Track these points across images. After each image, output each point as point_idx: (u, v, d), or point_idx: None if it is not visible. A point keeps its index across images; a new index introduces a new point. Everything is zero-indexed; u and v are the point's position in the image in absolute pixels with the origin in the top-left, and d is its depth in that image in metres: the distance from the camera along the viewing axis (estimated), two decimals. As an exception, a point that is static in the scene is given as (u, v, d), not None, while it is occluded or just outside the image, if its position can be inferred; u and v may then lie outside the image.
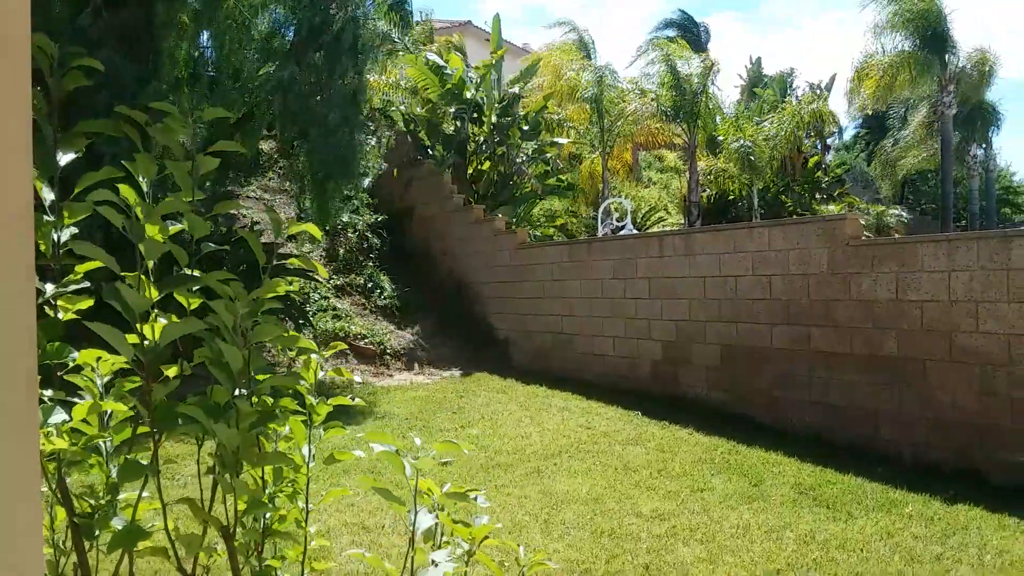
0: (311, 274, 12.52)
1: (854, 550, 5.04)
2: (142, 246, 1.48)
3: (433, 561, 1.49)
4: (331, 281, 13.85)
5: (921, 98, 26.06)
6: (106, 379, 1.69)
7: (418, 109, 16.74)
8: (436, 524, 1.79)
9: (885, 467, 6.90)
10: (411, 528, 1.59)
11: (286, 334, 1.65)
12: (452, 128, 16.66)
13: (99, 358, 1.65)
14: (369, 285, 14.38)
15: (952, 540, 5.19)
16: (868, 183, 33.71)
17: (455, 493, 1.64)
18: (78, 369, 1.66)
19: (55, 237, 1.58)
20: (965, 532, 5.33)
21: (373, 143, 11.40)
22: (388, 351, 12.59)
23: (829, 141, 34.97)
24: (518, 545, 1.99)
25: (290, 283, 1.90)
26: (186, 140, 1.61)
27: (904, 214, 26.12)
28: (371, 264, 15.02)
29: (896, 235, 20.87)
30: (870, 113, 29.23)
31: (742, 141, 19.74)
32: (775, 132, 20.06)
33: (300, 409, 1.76)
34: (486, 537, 1.66)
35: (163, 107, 1.58)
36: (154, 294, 1.53)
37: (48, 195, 1.57)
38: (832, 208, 23.15)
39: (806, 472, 6.80)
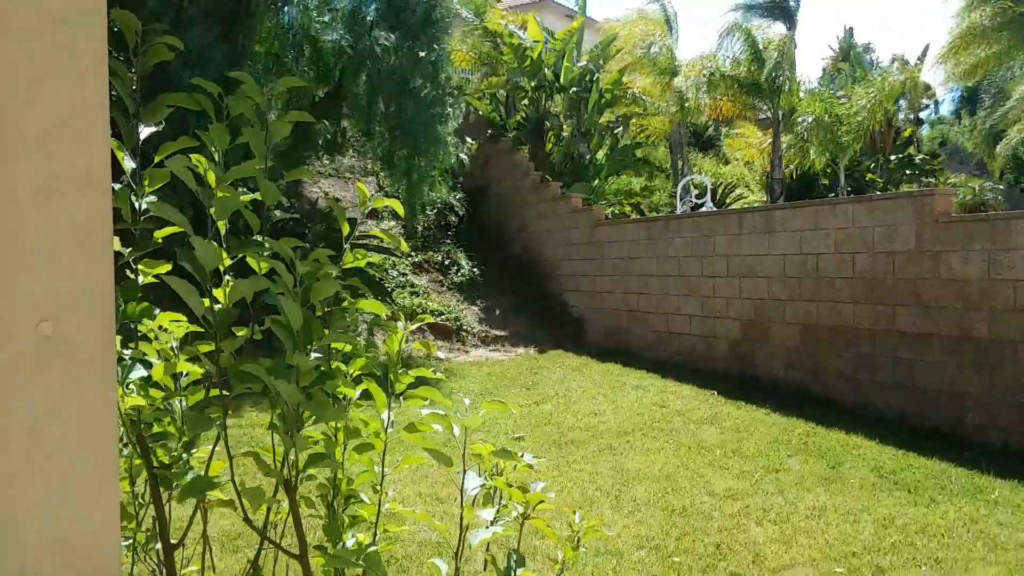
0: (392, 249, 12.74)
1: (935, 535, 4.89)
2: (212, 207, 1.54)
3: (484, 520, 1.53)
4: (409, 258, 14.05)
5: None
6: (177, 342, 1.77)
7: (495, 85, 16.74)
8: (495, 489, 1.83)
9: (971, 452, 6.66)
10: (460, 488, 1.63)
11: (350, 300, 1.70)
12: (530, 103, 16.61)
13: (173, 321, 1.74)
14: (446, 262, 14.53)
15: (1041, 528, 4.98)
16: (966, 158, 32.23)
17: (502, 451, 1.67)
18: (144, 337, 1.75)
19: (136, 204, 1.66)
20: (1056, 521, 5.12)
21: (453, 115, 11.48)
22: (464, 327, 12.73)
23: (923, 114, 33.54)
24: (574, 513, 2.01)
25: (367, 258, 1.92)
26: (263, 109, 1.66)
27: (999, 188, 24.76)
28: (449, 241, 15.17)
29: (991, 211, 19.88)
30: (966, 85, 27.85)
31: (806, 117, 18.98)
32: (862, 104, 19.19)
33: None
34: (540, 502, 1.69)
35: (239, 75, 1.63)
36: (226, 260, 1.60)
37: (130, 164, 1.64)
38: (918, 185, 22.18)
39: (887, 455, 6.62)
